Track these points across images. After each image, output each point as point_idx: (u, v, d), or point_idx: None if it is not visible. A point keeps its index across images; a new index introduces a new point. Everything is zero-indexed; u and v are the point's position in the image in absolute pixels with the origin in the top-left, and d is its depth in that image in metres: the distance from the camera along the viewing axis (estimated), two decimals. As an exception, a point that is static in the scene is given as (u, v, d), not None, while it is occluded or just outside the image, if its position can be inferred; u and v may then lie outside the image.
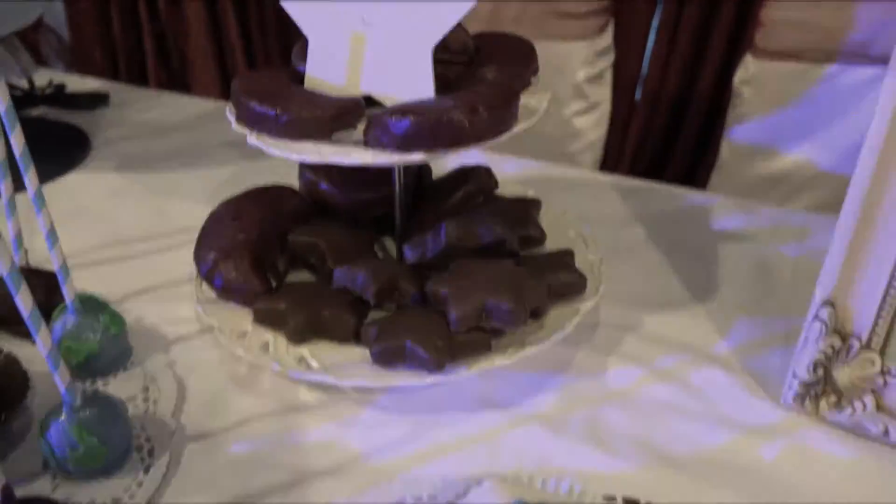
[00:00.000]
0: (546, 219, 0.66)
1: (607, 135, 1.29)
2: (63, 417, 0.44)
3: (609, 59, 1.25)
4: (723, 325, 0.60)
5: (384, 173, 0.60)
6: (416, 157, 0.48)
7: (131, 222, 0.74)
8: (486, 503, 0.42)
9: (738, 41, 1.09)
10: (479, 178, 0.67)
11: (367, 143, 0.48)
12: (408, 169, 0.61)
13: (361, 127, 0.50)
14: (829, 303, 0.49)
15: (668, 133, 1.26)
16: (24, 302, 0.40)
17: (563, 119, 1.28)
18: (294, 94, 0.51)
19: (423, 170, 0.68)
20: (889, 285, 0.47)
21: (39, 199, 0.49)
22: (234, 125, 0.52)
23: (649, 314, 0.61)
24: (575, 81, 1.27)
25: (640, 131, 1.27)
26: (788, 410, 0.51)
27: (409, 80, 0.51)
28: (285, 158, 0.49)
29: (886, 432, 0.48)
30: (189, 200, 0.78)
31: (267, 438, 0.49)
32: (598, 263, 0.60)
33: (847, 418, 0.50)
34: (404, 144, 0.47)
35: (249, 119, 0.51)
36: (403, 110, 0.47)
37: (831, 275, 0.48)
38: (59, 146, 0.88)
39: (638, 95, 1.34)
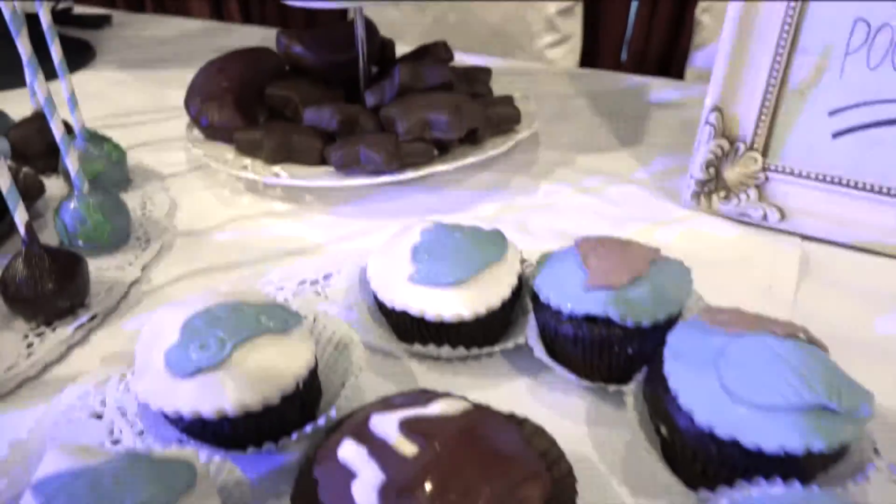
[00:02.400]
0: (495, 84, 0.75)
1: (579, 65, 1.38)
2: (73, 199, 0.54)
3: (580, -6, 1.32)
4: (644, 160, 0.69)
5: (350, 39, 0.69)
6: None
7: (132, 103, 0.84)
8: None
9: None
10: (437, 51, 0.76)
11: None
12: (370, 35, 0.70)
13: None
14: (717, 108, 0.57)
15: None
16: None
17: (536, 50, 1.36)
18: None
19: (385, 46, 0.77)
20: (766, 92, 0.56)
21: (63, 66, 0.57)
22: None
23: (582, 155, 0.70)
24: (547, 14, 1.35)
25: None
26: (687, 208, 0.60)
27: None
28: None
29: (765, 216, 0.57)
30: (182, 90, 0.86)
31: (244, 232, 0.59)
32: (537, 110, 0.69)
33: (733, 208, 0.58)
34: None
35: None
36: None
37: (717, 84, 0.57)
38: (65, 54, 0.96)
39: (624, 57, 1.43)
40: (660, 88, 0.84)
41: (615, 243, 0.43)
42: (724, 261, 0.54)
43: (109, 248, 0.55)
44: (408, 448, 0.30)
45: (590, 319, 0.40)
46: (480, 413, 0.32)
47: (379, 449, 0.30)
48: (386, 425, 0.31)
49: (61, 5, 1.12)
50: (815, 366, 0.33)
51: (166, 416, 0.36)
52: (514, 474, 0.30)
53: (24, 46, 0.48)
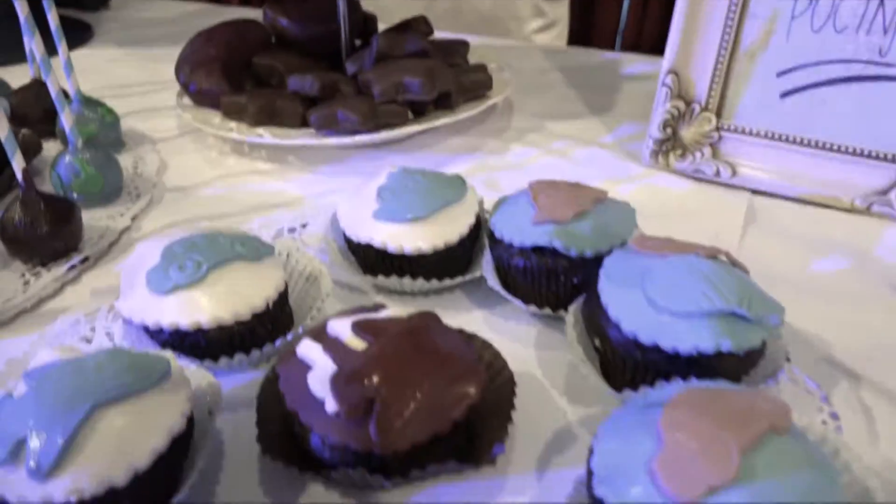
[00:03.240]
0: (473, 57, 0.79)
1: (567, 49, 1.41)
2: (68, 154, 0.58)
3: (566, -20, 1.36)
4: (611, 126, 0.72)
5: (333, 12, 0.73)
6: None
7: (127, 77, 0.87)
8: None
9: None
10: (418, 25, 0.80)
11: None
12: (352, 10, 0.74)
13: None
14: (673, 71, 0.61)
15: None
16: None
17: (524, 36, 1.40)
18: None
19: (368, 20, 0.81)
20: (718, 56, 0.60)
21: (60, 31, 0.61)
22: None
23: (553, 122, 0.74)
24: (534, 1, 1.38)
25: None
26: (646, 166, 0.64)
27: None
28: None
29: (718, 173, 0.61)
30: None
31: (228, 188, 0.62)
32: (510, 79, 0.73)
33: (688, 165, 0.62)
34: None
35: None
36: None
37: (673, 48, 0.61)
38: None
39: (617, 47, 1.46)
40: (632, 63, 0.87)
41: (564, 185, 0.47)
42: (677, 211, 0.57)
43: (102, 200, 0.59)
44: (358, 344, 0.34)
45: (537, 251, 0.44)
46: (428, 318, 0.36)
47: (332, 345, 0.34)
48: (340, 327, 0.35)
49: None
50: (730, 280, 0.36)
51: (148, 331, 0.40)
52: (453, 371, 0.34)
53: (21, 6, 0.52)
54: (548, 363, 0.42)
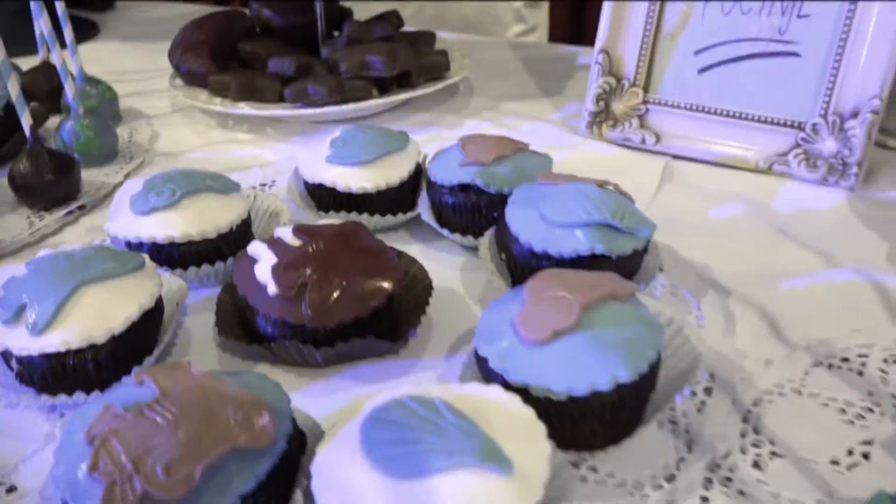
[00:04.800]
0: (444, 48, 0.87)
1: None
2: (70, 120, 0.66)
3: (546, -13, 1.44)
4: (559, 106, 0.80)
5: (311, 4, 0.81)
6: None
7: (128, 65, 0.96)
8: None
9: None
10: (389, 17, 0.88)
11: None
12: (329, 3, 0.83)
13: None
14: (605, 51, 0.69)
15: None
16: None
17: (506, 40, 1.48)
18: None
19: (344, 13, 0.89)
20: (644, 37, 0.68)
21: (66, 15, 0.70)
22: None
23: (508, 102, 0.82)
24: (515, 6, 1.47)
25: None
26: (583, 137, 0.72)
27: None
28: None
29: (643, 140, 0.69)
30: (173, 55, 0.99)
31: (212, 153, 0.70)
32: (469, 64, 0.81)
33: (619, 134, 0.70)
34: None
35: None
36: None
37: (604, 30, 0.69)
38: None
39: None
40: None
41: (491, 137, 0.55)
42: (603, 172, 0.64)
43: (99, 160, 0.67)
44: (295, 242, 0.41)
45: (464, 189, 0.51)
46: (357, 226, 0.44)
47: (275, 244, 0.42)
48: (283, 232, 0.43)
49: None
50: (609, 201, 0.44)
51: (130, 245, 0.47)
52: (374, 267, 0.42)
53: (32, -13, 0.60)
54: (468, 280, 0.50)
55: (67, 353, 0.37)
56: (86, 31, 1.11)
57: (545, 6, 1.51)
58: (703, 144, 0.66)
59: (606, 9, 0.68)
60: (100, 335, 0.37)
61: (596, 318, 0.34)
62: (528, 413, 0.31)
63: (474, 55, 0.91)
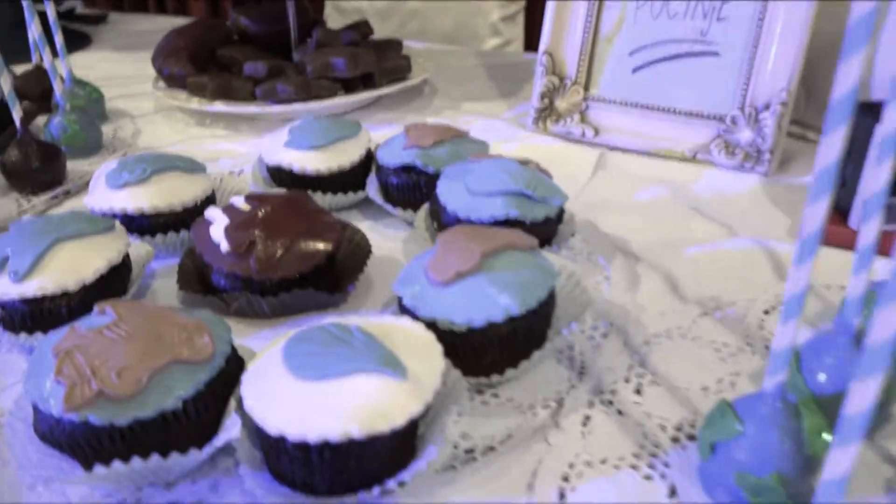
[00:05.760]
0: (414, 56, 0.94)
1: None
2: (58, 115, 0.72)
3: (520, 4, 1.52)
4: (513, 106, 0.87)
5: (285, 14, 0.88)
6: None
7: (116, 71, 1.03)
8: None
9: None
10: (360, 27, 0.95)
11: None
12: (302, 13, 0.89)
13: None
14: (548, 53, 0.76)
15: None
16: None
17: (483, 52, 1.55)
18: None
19: (316, 22, 0.96)
20: (583, 40, 0.74)
21: (57, 22, 0.77)
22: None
23: (467, 103, 0.88)
24: (491, 21, 1.54)
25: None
26: (530, 131, 0.78)
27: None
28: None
29: (583, 134, 0.75)
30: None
31: (189, 147, 0.77)
32: (431, 69, 0.88)
33: (562, 128, 0.76)
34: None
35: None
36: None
37: (547, 34, 0.75)
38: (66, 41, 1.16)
39: None
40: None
41: (433, 125, 0.61)
42: (545, 161, 0.70)
43: (84, 153, 0.74)
44: (246, 207, 0.47)
45: (406, 169, 0.57)
46: (302, 195, 0.50)
47: (229, 209, 0.48)
48: (237, 199, 0.49)
49: (65, 5, 1.33)
50: (526, 174, 0.50)
51: (104, 216, 0.53)
52: (316, 231, 0.48)
53: (24, -4, 0.67)
54: (408, 249, 0.56)
55: (44, 298, 0.43)
56: (79, 42, 1.18)
57: (521, 20, 1.58)
58: (635, 136, 0.73)
59: (549, 14, 0.75)
60: (72, 284, 0.43)
61: (495, 263, 0.40)
62: (429, 336, 0.37)
63: (441, 62, 0.98)
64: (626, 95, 0.74)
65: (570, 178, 0.67)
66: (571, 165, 0.70)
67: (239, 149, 0.76)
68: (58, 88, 0.71)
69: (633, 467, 0.36)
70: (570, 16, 0.74)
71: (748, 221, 0.59)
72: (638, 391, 0.41)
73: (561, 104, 0.76)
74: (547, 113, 0.77)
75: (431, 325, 0.39)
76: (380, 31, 0.99)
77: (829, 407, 0.36)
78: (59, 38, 0.78)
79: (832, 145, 0.26)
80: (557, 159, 0.71)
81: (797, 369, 0.38)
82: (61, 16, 1.27)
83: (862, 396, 0.24)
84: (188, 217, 0.54)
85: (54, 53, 0.75)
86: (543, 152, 0.74)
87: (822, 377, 0.37)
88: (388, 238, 0.58)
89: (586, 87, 0.76)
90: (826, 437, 0.33)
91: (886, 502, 0.34)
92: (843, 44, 0.25)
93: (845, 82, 0.25)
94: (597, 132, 0.74)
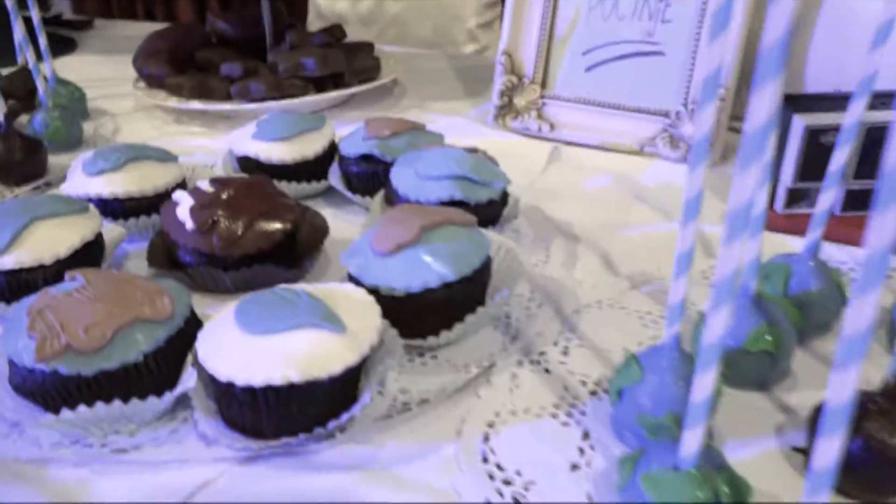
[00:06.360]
0: (387, 59, 0.98)
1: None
2: (41, 111, 0.76)
3: (496, 11, 1.56)
4: (478, 104, 0.91)
5: (261, 18, 0.92)
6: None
7: (99, 73, 1.07)
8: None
9: None
10: (333, 30, 0.99)
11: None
12: (277, 17, 0.94)
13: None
14: (507, 53, 0.80)
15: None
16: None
17: (461, 58, 1.59)
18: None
19: (290, 26, 1.00)
20: (539, 41, 0.79)
21: (41, 25, 0.81)
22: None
23: (434, 102, 0.92)
24: (468, 27, 1.59)
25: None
26: (490, 127, 0.82)
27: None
28: None
29: (540, 129, 0.79)
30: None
31: (167, 142, 0.80)
32: (400, 70, 0.92)
33: (520, 124, 0.80)
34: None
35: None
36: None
37: (506, 35, 0.80)
38: (52, 46, 1.20)
39: None
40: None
41: (390, 118, 0.65)
42: (503, 155, 0.75)
43: (66, 147, 0.77)
44: (210, 189, 0.51)
45: (366, 159, 0.62)
46: (263, 179, 0.54)
47: (194, 191, 0.52)
48: (203, 182, 0.53)
49: (53, 11, 1.37)
50: (471, 160, 0.54)
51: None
52: (275, 211, 0.52)
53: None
54: (367, 229, 0.60)
55: (21, 270, 0.47)
56: (65, 46, 1.22)
57: (498, 27, 1.63)
58: (588, 131, 0.77)
59: (507, 17, 0.79)
60: (47, 258, 0.47)
61: (433, 236, 0.44)
62: (369, 299, 0.41)
63: (413, 65, 1.02)
64: (580, 93, 0.78)
65: (524, 170, 0.72)
66: (527, 158, 0.74)
67: (214, 145, 0.80)
68: (41, 87, 0.75)
69: (553, 416, 0.40)
70: (526, 18, 0.79)
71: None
72: (565, 353, 0.45)
73: (519, 102, 0.81)
74: (506, 110, 0.81)
75: (374, 292, 0.43)
76: (361, 37, 1.04)
77: (729, 359, 0.40)
78: (42, 40, 0.81)
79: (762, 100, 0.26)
80: (514, 153, 0.76)
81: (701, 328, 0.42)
82: (49, 21, 1.31)
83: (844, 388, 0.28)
84: (160, 202, 0.58)
85: (38, 55, 0.79)
86: (502, 147, 0.78)
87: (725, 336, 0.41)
88: (350, 223, 0.62)
89: (543, 86, 0.80)
90: (717, 384, 0.37)
91: (777, 444, 0.38)
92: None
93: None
94: (552, 127, 0.79)
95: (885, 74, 0.44)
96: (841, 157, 0.41)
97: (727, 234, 0.27)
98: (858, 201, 0.56)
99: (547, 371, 0.44)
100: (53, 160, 0.74)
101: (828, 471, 0.24)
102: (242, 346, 0.37)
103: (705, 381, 0.29)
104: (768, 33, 0.25)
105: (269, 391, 0.36)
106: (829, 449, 0.24)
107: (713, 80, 0.30)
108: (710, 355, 0.29)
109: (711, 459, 0.32)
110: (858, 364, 0.23)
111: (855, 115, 0.40)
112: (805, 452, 0.37)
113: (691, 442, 0.31)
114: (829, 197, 0.42)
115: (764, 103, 0.25)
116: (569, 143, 0.78)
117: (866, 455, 0.33)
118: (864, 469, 0.34)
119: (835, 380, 0.23)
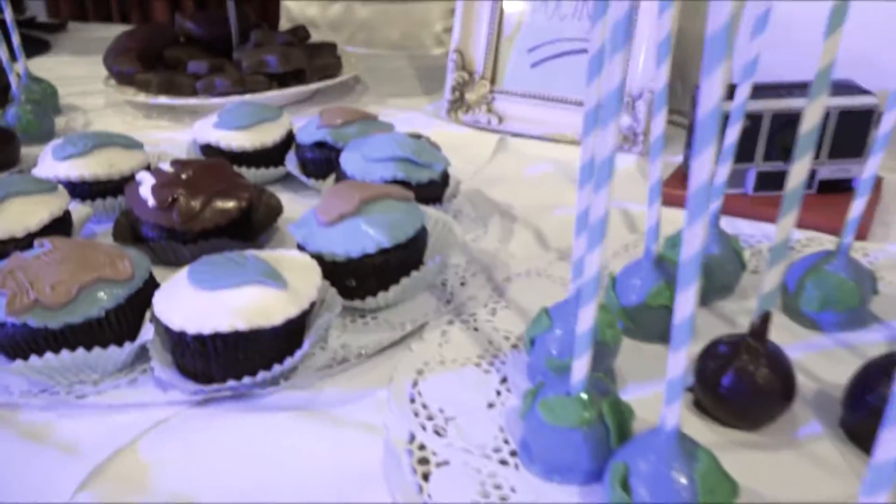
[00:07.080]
0: (349, 59, 1.03)
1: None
2: (14, 105, 0.80)
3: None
4: (434, 100, 0.96)
5: (227, 18, 0.97)
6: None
7: (71, 72, 1.10)
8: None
9: None
10: (298, 31, 1.04)
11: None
12: (243, 18, 0.98)
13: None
14: (458, 51, 0.85)
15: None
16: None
17: (428, 61, 1.64)
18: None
19: (256, 26, 1.05)
20: (488, 39, 0.84)
21: (14, 25, 0.84)
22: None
23: (394, 99, 0.98)
24: (435, 31, 1.64)
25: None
26: (443, 121, 0.87)
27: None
28: None
29: (489, 122, 0.84)
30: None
31: (138, 136, 0.84)
32: (360, 67, 0.97)
33: (471, 118, 0.86)
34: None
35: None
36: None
37: (457, 33, 0.85)
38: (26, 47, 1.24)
39: None
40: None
41: (343, 107, 0.70)
42: (454, 145, 0.80)
43: (38, 140, 0.81)
44: (171, 169, 0.56)
45: (320, 146, 0.66)
46: (224, 161, 0.58)
47: (156, 171, 0.56)
48: (164, 164, 0.57)
49: (28, 13, 1.40)
50: (413, 143, 0.59)
51: (51, 184, 0.61)
52: (230, 191, 0.56)
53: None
54: (320, 214, 0.65)
55: (-6, 242, 0.51)
56: (39, 47, 1.26)
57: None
58: (533, 123, 0.82)
59: (458, 16, 0.84)
60: (19, 230, 0.51)
61: (372, 208, 0.49)
62: (311, 262, 0.46)
63: (374, 64, 1.07)
64: (526, 88, 0.83)
65: (472, 158, 0.77)
66: (476, 148, 0.80)
67: (181, 137, 0.84)
68: (14, 84, 0.79)
69: (476, 365, 0.45)
70: (476, 18, 0.84)
71: (618, 191, 0.68)
72: (493, 314, 0.50)
73: (470, 96, 0.86)
74: (458, 104, 0.87)
75: (318, 257, 0.48)
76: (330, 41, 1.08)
77: (634, 314, 0.46)
78: (16, 39, 0.85)
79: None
80: (465, 144, 0.81)
81: (612, 288, 0.48)
82: (23, 23, 1.34)
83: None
84: (125, 185, 0.62)
85: (11, 53, 0.83)
86: (454, 138, 0.83)
87: (630, 293, 0.47)
88: (305, 206, 0.66)
89: (492, 81, 0.85)
90: (613, 330, 0.42)
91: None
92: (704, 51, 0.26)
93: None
94: (501, 120, 0.84)
95: (796, 67, 0.50)
96: (731, 137, 0.47)
97: (689, 214, 0.28)
98: (768, 182, 0.62)
99: (475, 329, 0.49)
100: (26, 151, 0.78)
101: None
102: (194, 300, 0.41)
103: (586, 315, 0.34)
104: (712, 25, 0.26)
105: (218, 339, 0.40)
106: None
107: (661, 96, 0.36)
108: (589, 294, 0.34)
109: (599, 388, 0.37)
110: (694, 284, 0.28)
111: (740, 100, 0.45)
112: (692, 390, 0.42)
113: (579, 370, 0.35)
114: (722, 172, 0.48)
115: (713, 88, 0.27)
116: (515, 135, 0.83)
117: (737, 386, 0.38)
118: (736, 399, 0.39)
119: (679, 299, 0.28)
